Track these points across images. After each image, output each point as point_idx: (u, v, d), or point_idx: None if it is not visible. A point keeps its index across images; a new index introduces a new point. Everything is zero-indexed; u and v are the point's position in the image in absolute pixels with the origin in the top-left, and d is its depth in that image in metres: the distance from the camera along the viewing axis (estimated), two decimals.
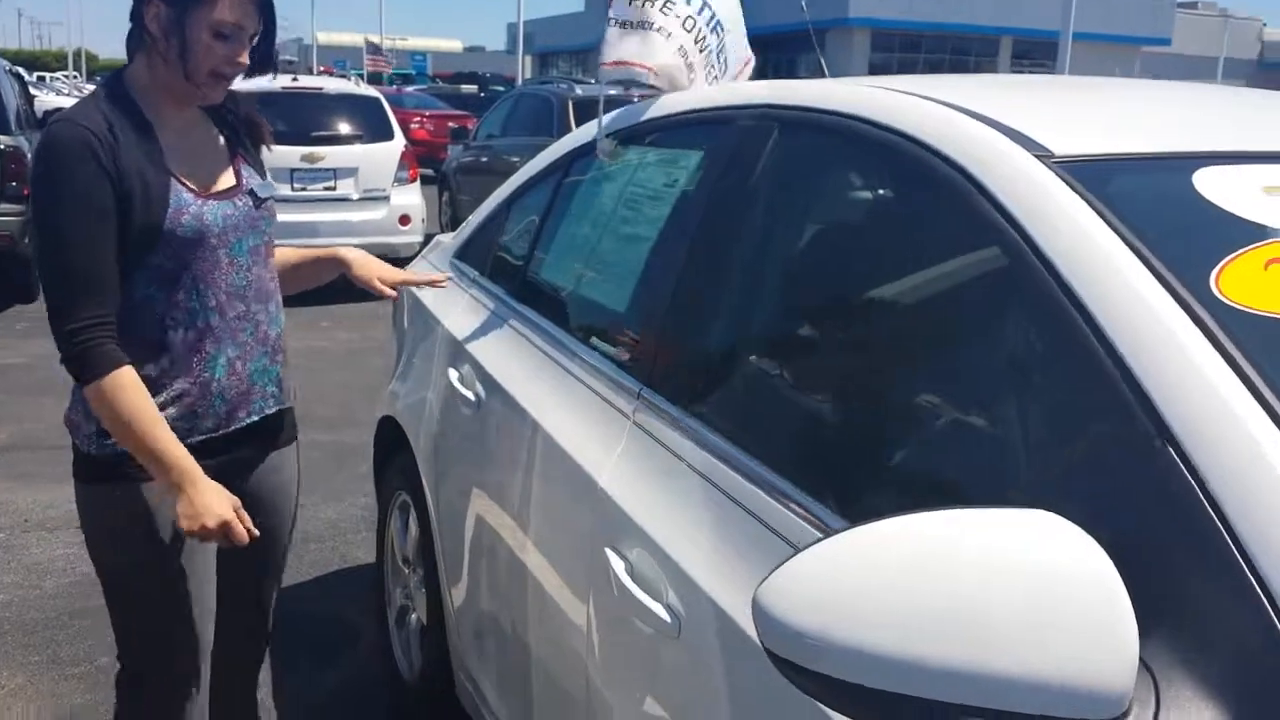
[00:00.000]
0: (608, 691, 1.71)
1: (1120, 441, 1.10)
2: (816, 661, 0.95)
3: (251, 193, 1.97)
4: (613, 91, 12.42)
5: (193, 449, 1.85)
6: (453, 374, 2.49)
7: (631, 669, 1.63)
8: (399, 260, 8.90)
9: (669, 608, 1.53)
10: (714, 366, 1.75)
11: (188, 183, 1.88)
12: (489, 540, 2.24)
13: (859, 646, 0.90)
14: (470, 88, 25.61)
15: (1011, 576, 0.89)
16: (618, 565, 1.66)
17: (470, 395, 2.37)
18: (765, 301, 1.75)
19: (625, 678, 1.65)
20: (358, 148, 8.88)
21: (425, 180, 10.07)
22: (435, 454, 2.58)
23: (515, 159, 9.95)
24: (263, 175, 2.05)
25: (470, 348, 2.48)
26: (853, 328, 1.59)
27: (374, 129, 9.03)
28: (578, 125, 2.93)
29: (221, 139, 2.00)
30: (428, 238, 9.88)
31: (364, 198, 8.85)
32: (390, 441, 3.06)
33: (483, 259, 2.80)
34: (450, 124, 16.59)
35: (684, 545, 1.56)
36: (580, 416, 1.95)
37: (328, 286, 2.35)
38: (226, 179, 1.96)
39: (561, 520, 1.92)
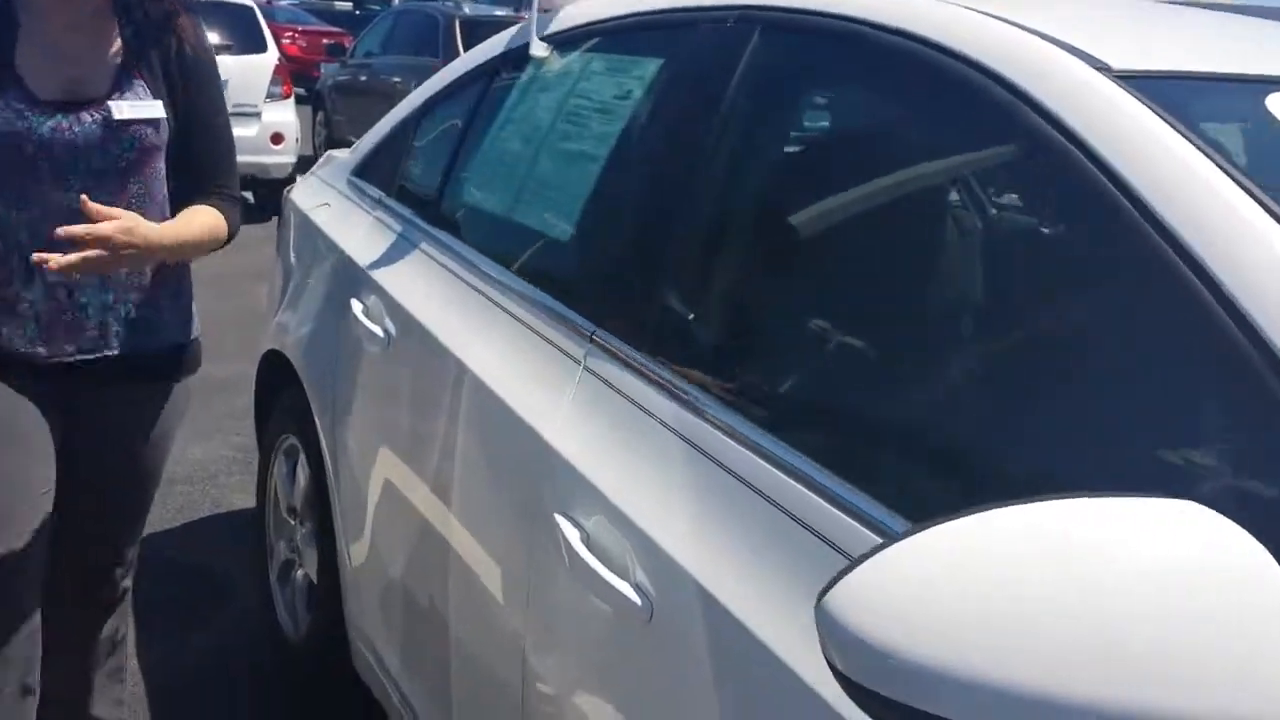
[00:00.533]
0: (552, 681, 1.48)
1: (1239, 399, 0.91)
2: (927, 700, 0.73)
3: (107, 112, 1.77)
4: (500, 12, 11.88)
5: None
6: (356, 306, 2.19)
7: (586, 657, 1.40)
8: (272, 182, 8.45)
9: (638, 587, 1.31)
10: (688, 306, 1.51)
11: (30, 83, 1.74)
12: (399, 496, 1.98)
13: (988, 683, 0.69)
14: (345, 4, 24.47)
15: (1188, 589, 0.69)
16: (571, 535, 1.42)
17: (378, 331, 2.08)
18: (746, 231, 1.52)
19: (577, 666, 1.42)
20: (228, 59, 8.19)
21: (298, 100, 9.49)
22: (333, 396, 2.29)
23: (397, 80, 9.44)
24: (161, 95, 1.82)
25: (377, 277, 2.18)
26: (854, 253, 1.37)
27: (245, 40, 8.43)
28: (466, 48, 2.62)
29: (116, 47, 1.81)
30: (301, 159, 9.40)
31: (234, 113, 8.21)
32: (275, 378, 2.74)
33: (388, 178, 2.48)
34: (325, 40, 15.81)
35: (656, 513, 1.33)
36: (518, 360, 1.69)
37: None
38: (91, 90, 1.78)
39: (495, 479, 1.67)
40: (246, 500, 3.68)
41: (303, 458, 2.54)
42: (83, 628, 2.04)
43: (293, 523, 2.66)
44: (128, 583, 2.10)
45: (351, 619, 2.26)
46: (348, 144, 9.02)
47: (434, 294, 1.98)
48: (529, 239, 1.88)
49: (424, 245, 2.14)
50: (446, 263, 2.02)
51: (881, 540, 0.84)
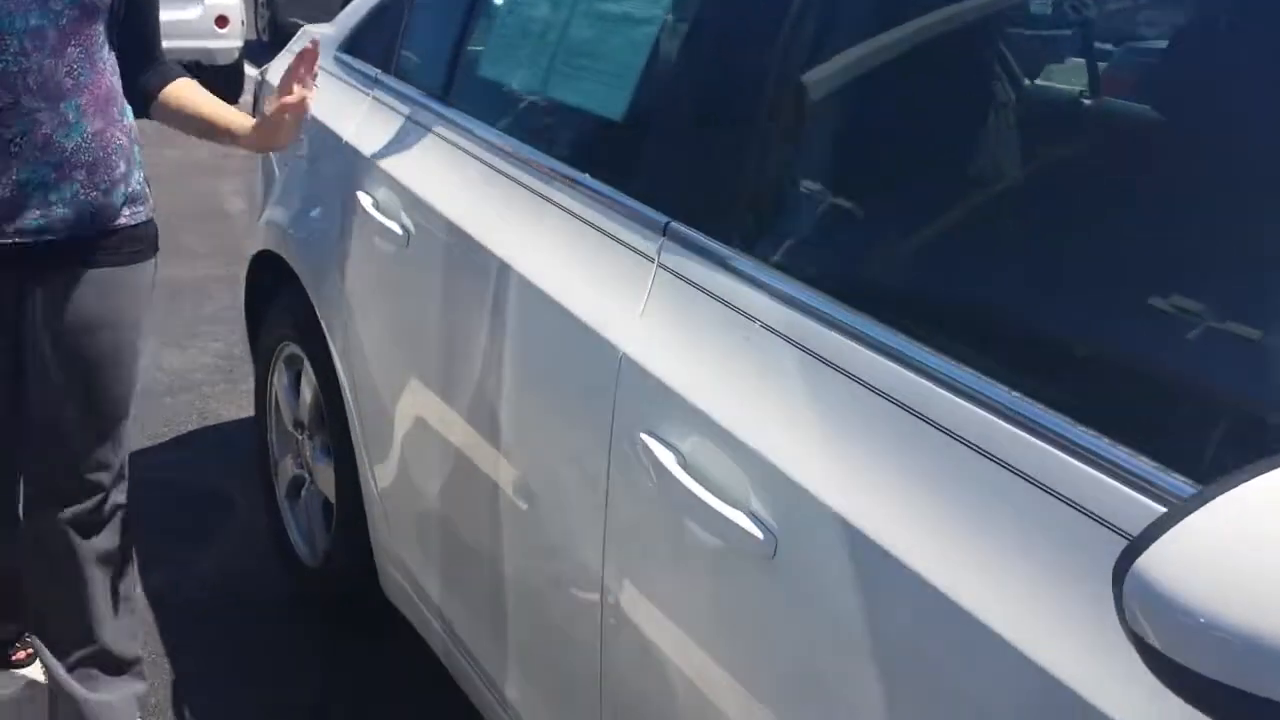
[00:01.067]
0: (640, 623, 1.32)
1: None
2: (1261, 681, 0.57)
3: None
4: None
5: None
6: (365, 200, 1.96)
7: (690, 598, 1.24)
8: (218, 68, 7.98)
9: (755, 517, 1.14)
10: (791, 187, 1.31)
11: None
12: (434, 412, 1.79)
13: None
14: None
15: None
16: (665, 457, 1.24)
17: (394, 227, 1.86)
18: (863, 91, 1.30)
19: (677, 608, 1.26)
20: None
21: None
22: (343, 301, 2.07)
23: None
24: None
25: (387, 166, 1.95)
26: (1009, 122, 1.17)
27: None
28: None
29: None
30: (246, 45, 8.89)
31: None
32: (268, 281, 2.51)
33: (385, 52, 2.22)
34: None
35: (770, 431, 1.15)
36: (574, 258, 1.48)
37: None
38: None
39: (556, 395, 1.48)
40: (235, 411, 3.48)
41: (307, 367, 2.33)
42: (70, 543, 1.89)
43: (300, 437, 2.46)
44: (119, 497, 1.94)
45: (381, 543, 2.10)
46: (292, 27, 8.52)
47: (459, 184, 1.76)
48: (572, 118, 1.66)
49: (438, 128, 1.90)
50: (469, 148, 1.79)
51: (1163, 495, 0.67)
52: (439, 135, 1.88)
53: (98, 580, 1.93)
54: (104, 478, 1.89)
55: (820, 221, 1.28)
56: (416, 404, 1.85)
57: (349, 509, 2.21)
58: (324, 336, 2.18)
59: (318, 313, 2.18)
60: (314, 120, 2.28)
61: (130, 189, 1.83)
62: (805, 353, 1.16)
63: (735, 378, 1.21)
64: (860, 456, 1.07)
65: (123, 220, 1.83)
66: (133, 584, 2.03)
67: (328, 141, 2.18)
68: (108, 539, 1.93)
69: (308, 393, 2.35)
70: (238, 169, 6.84)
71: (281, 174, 2.46)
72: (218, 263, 4.89)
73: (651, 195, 1.41)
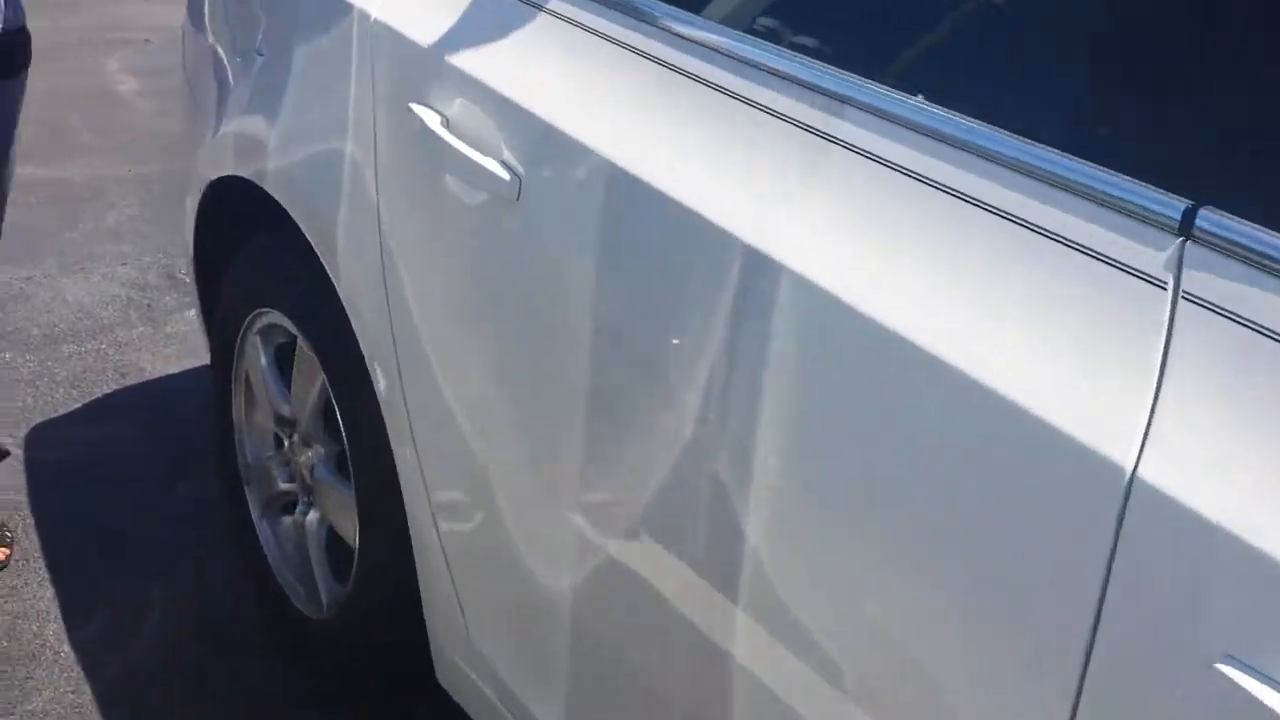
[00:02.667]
0: None
1: None
2: None
3: None
4: None
5: None
6: (426, 117, 1.24)
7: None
8: None
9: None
10: None
11: None
12: (571, 464, 1.12)
13: None
14: None
15: None
16: None
17: (492, 167, 1.15)
18: None
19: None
20: None
21: None
22: (382, 271, 1.36)
23: None
24: None
25: (468, 65, 1.22)
26: None
27: None
28: None
29: None
30: None
31: None
32: (232, 216, 1.77)
33: None
34: None
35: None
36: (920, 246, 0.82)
37: None
38: None
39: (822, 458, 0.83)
40: (160, 363, 2.71)
41: (305, 351, 1.62)
42: None
43: (288, 440, 1.76)
44: None
45: (445, 625, 1.43)
46: None
47: (638, 107, 1.05)
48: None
49: (580, 8, 1.17)
50: (662, 51, 1.07)
51: None
52: (585, 23, 1.16)
53: None
54: None
55: None
56: (538, 446, 1.17)
57: (383, 561, 1.54)
58: (340, 315, 1.47)
59: (334, 281, 1.46)
60: None
61: None
62: None
63: None
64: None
65: None
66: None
67: (341, 15, 1.42)
68: None
69: (307, 387, 1.64)
70: (125, 39, 5.83)
71: (247, 60, 1.69)
72: (116, 160, 4.01)
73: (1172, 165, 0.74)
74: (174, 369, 2.68)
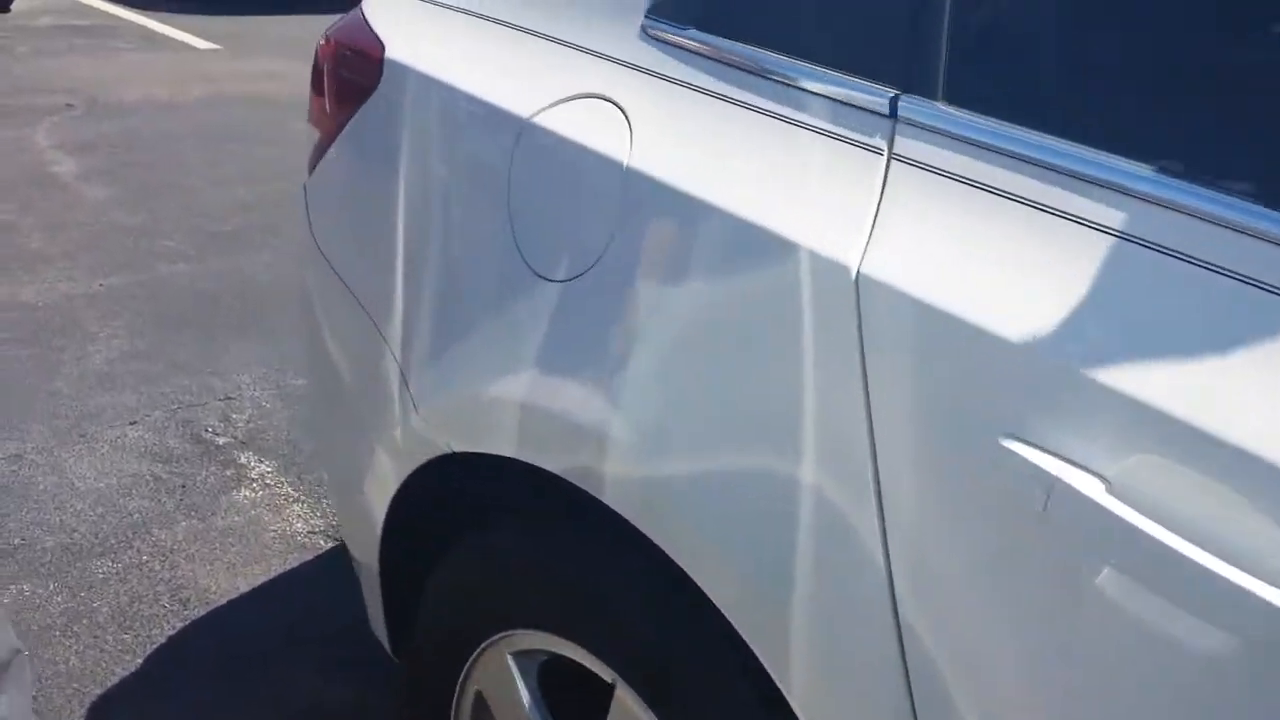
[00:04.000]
0: None
1: None
2: None
3: None
4: None
5: None
6: (1079, 481, 0.70)
7: None
8: None
9: None
10: None
11: None
12: None
13: None
14: None
15: None
16: None
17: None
18: None
19: None
20: None
21: None
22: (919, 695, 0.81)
23: None
24: None
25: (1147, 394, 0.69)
26: None
27: None
28: None
29: None
30: None
31: None
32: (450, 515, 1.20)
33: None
34: None
35: None
36: None
37: None
38: None
39: None
40: (222, 578, 2.08)
41: (631, 702, 1.06)
42: None
43: None
44: None
45: None
46: None
47: None
48: None
49: None
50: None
51: None
52: None
53: None
54: None
55: None
56: None
57: None
58: (701, 666, 0.92)
59: (781, 687, 0.90)
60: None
61: None
62: None
63: None
64: None
65: None
66: None
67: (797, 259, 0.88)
68: None
69: None
70: (46, 106, 5.07)
71: (523, 282, 1.10)
72: (78, 271, 3.34)
73: None
74: (243, 584, 2.07)
